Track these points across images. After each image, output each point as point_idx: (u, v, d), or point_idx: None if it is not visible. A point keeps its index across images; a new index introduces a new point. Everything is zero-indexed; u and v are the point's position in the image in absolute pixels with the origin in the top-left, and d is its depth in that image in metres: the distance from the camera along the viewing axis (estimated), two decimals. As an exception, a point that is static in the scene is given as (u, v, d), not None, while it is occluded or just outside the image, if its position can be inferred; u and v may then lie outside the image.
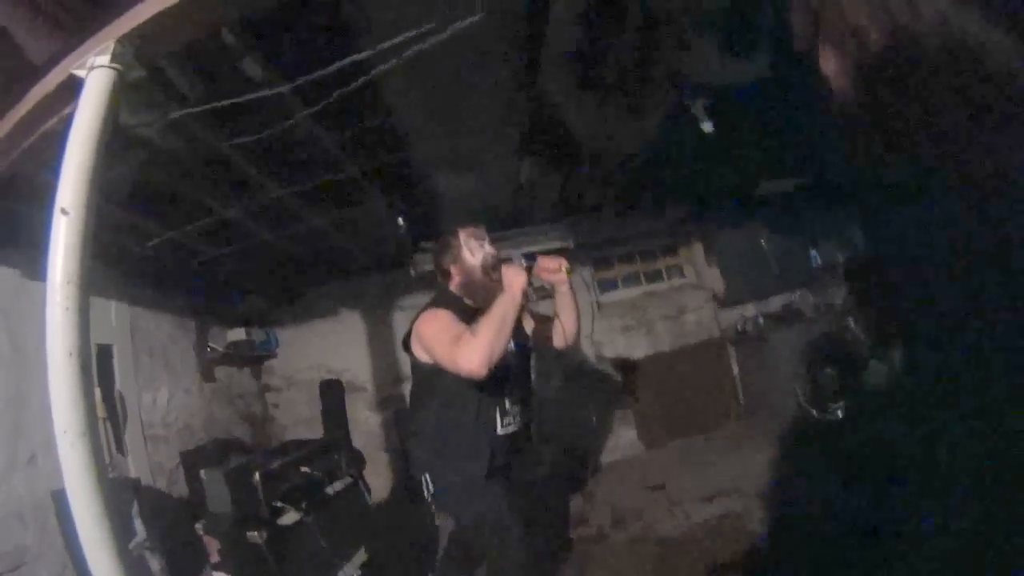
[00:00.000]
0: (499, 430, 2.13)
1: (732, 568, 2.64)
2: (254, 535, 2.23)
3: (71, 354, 0.80)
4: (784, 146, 4.11)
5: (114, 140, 1.54)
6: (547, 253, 2.17)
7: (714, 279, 5.68)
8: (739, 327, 5.59)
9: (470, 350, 1.84)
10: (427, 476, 2.16)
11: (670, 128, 3.21)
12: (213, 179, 2.78)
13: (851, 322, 4.85)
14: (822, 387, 4.75)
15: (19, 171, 2.19)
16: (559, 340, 2.36)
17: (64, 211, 0.95)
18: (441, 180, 3.21)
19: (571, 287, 2.22)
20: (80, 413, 0.84)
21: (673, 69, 2.63)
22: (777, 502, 3.17)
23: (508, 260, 2.07)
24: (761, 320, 5.49)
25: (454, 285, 2.26)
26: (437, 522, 2.48)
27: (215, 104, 2.00)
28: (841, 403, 4.62)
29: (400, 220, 3.56)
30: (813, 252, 5.51)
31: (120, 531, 0.84)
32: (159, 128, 2.19)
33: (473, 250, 2.19)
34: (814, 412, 4.72)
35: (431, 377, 2.12)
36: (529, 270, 2.04)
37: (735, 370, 5.60)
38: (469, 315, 2.08)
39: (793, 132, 3.79)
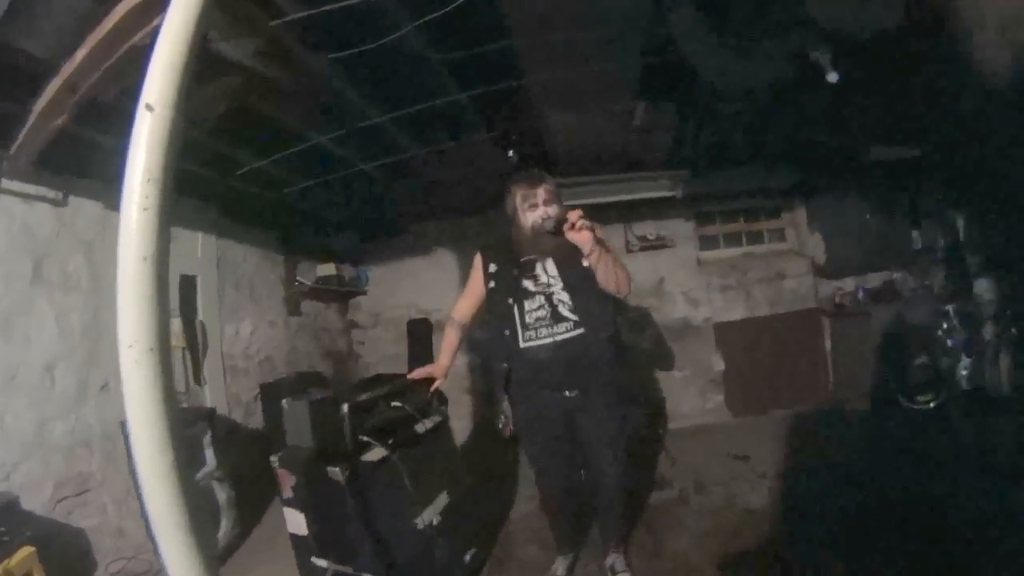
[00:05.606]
0: (521, 344, 2.25)
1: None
2: (335, 471, 2.08)
3: (145, 258, 0.70)
4: (905, 109, 3.73)
5: (205, 60, 1.43)
6: (581, 207, 2.04)
7: (815, 247, 5.39)
8: (836, 299, 5.29)
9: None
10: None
11: (791, 77, 2.88)
12: (307, 102, 2.67)
13: (951, 311, 4.43)
14: (914, 376, 4.48)
15: (100, 94, 2.13)
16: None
17: (149, 107, 0.86)
18: (552, 115, 3.00)
19: (595, 244, 2.03)
20: (150, 325, 0.73)
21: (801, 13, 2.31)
22: (860, 488, 3.08)
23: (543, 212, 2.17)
24: (861, 295, 5.17)
25: (513, 231, 2.34)
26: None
27: (312, 11, 1.86)
28: (931, 396, 4.37)
29: (510, 153, 3.40)
30: (915, 232, 5.13)
31: (184, 460, 0.73)
32: (251, 48, 2.08)
33: (524, 211, 2.23)
34: (904, 401, 4.46)
35: None
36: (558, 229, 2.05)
37: (827, 345, 5.30)
38: (512, 263, 2.28)
39: (917, 94, 3.47)
